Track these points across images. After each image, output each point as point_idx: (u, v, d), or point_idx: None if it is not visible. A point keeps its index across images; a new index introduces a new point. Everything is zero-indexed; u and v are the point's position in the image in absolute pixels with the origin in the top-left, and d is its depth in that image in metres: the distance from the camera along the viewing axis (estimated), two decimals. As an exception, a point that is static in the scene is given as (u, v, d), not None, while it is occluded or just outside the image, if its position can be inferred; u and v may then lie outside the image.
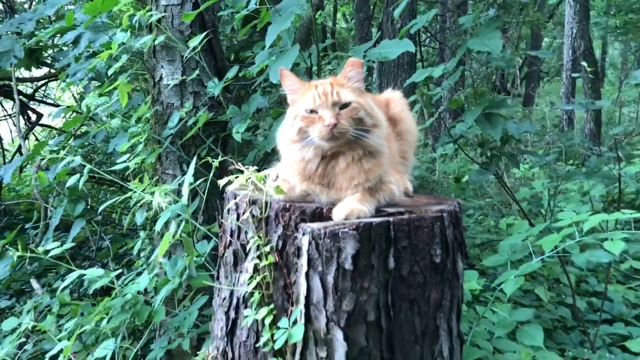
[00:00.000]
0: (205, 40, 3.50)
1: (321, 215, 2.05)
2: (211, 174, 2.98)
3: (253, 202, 2.16)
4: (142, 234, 3.98)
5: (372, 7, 12.51)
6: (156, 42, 3.65)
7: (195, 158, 2.78)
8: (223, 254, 2.31)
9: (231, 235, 2.25)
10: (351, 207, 1.98)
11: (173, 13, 3.87)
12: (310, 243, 1.92)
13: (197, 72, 3.70)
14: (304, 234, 1.94)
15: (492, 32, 3.61)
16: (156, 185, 3.88)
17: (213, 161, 2.97)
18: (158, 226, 2.91)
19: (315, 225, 1.92)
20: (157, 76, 3.94)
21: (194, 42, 3.45)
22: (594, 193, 6.81)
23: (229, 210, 2.31)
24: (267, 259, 2.07)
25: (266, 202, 2.11)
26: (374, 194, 2.09)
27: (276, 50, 3.37)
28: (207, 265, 2.87)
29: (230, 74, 3.58)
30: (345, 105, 2.06)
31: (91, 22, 3.97)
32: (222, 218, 2.40)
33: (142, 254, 4.00)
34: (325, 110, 2.05)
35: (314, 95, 2.08)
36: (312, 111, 2.07)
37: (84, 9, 3.80)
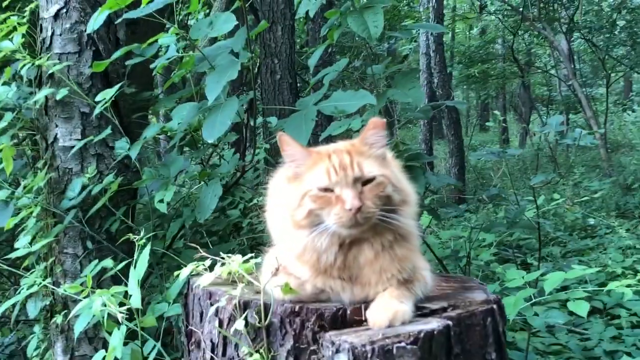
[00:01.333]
0: (113, 96, 2.92)
1: (344, 318, 1.57)
2: (138, 255, 2.40)
3: (245, 305, 1.64)
4: (36, 328, 3.25)
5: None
6: (58, 97, 3.01)
7: (149, 245, 2.17)
8: (199, 375, 1.75)
9: (213, 351, 1.70)
10: (393, 308, 1.52)
11: (69, 63, 3.25)
12: (350, 364, 1.43)
13: (108, 130, 3.09)
14: (338, 352, 1.45)
15: (412, 82, 3.32)
16: (52, 268, 3.21)
17: (134, 239, 2.41)
18: (78, 330, 2.29)
19: (357, 340, 1.43)
20: (51, 137, 3.28)
21: (106, 94, 2.87)
22: (485, 238, 6.78)
23: (202, 314, 1.77)
24: (273, 383, 1.56)
25: (265, 305, 1.60)
26: (410, 286, 1.64)
27: (204, 104, 2.87)
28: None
29: (149, 132, 3.01)
30: (368, 181, 1.62)
31: (-39, 73, 3.25)
32: (189, 324, 1.84)
33: (35, 353, 3.27)
34: (346, 189, 1.59)
35: (328, 169, 1.62)
36: (326, 189, 1.61)
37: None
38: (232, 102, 2.74)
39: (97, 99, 2.92)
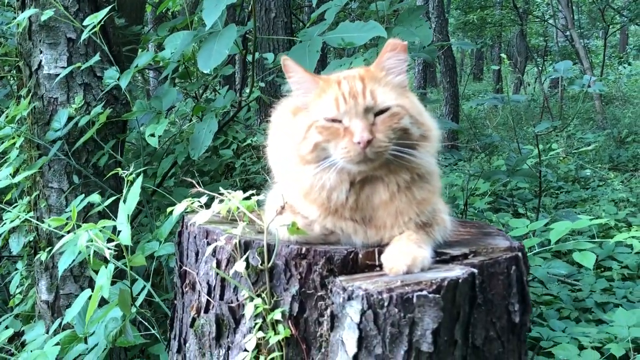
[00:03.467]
0: (103, 19, 2.71)
1: (355, 263, 1.43)
2: (127, 190, 2.24)
3: (246, 245, 1.50)
4: (19, 264, 3.11)
5: None
6: (43, 18, 2.79)
7: (140, 179, 2.01)
8: (193, 321, 1.62)
9: (209, 294, 1.56)
10: (412, 253, 1.38)
11: (55, -18, 3.02)
12: (363, 313, 1.29)
13: (97, 57, 2.89)
14: (350, 299, 1.31)
15: (418, 20, 3.13)
16: (36, 203, 3.05)
17: (123, 173, 2.25)
18: (62, 267, 2.15)
19: (372, 286, 1.29)
20: (35, 63, 3.07)
21: (95, 17, 2.66)
22: (479, 187, 6.69)
23: (197, 254, 1.62)
24: (275, 330, 1.42)
25: (269, 245, 1.46)
26: (429, 230, 1.49)
27: (202, 33, 2.67)
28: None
29: (141, 60, 2.82)
30: (382, 112, 1.44)
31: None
32: (183, 264, 1.70)
33: (19, 290, 3.14)
34: (355, 120, 1.42)
35: (337, 97, 1.44)
36: (334, 120, 1.44)
37: None
38: (230, 30, 2.55)
39: (86, 22, 2.71)
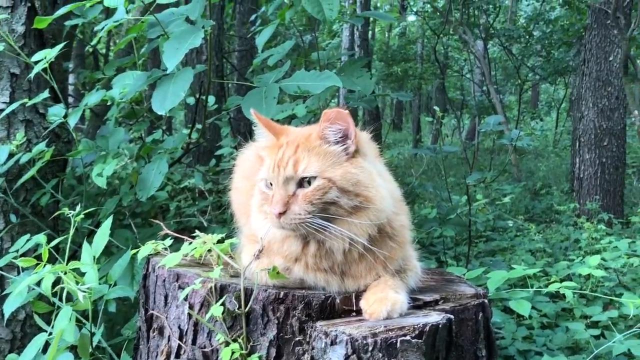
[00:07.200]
0: (57, 54, 2.66)
1: (332, 308, 1.45)
2: (71, 233, 2.18)
3: (221, 289, 1.49)
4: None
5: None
6: (-4, 52, 2.72)
7: (110, 218, 1.96)
8: (162, 365, 1.58)
9: (181, 338, 1.54)
10: (392, 299, 1.41)
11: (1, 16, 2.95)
12: (347, 358, 1.30)
13: (46, 93, 2.82)
14: (334, 344, 1.33)
15: (359, 70, 3.25)
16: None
17: (69, 213, 2.20)
18: (8, 310, 2.06)
19: (355, 331, 1.32)
20: (-25, 98, 2.98)
21: (47, 54, 2.61)
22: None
23: (167, 297, 1.60)
24: (252, 376, 1.42)
25: (246, 290, 1.46)
26: (403, 276, 1.54)
27: (156, 74, 2.67)
28: None
29: (91, 99, 2.77)
30: (308, 181, 1.47)
31: None
32: (149, 307, 1.67)
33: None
34: (276, 189, 1.48)
35: (271, 163, 1.51)
36: (267, 183, 1.53)
37: None
38: (186, 73, 2.55)
39: (35, 58, 2.66)
